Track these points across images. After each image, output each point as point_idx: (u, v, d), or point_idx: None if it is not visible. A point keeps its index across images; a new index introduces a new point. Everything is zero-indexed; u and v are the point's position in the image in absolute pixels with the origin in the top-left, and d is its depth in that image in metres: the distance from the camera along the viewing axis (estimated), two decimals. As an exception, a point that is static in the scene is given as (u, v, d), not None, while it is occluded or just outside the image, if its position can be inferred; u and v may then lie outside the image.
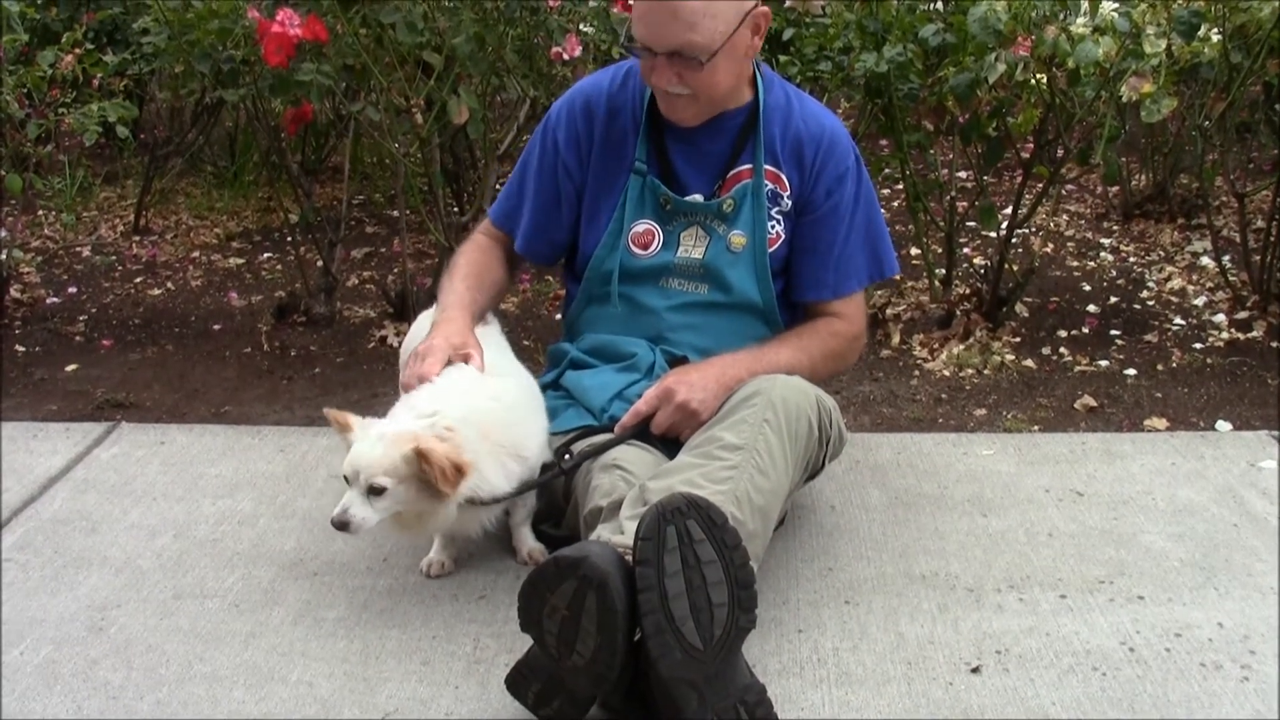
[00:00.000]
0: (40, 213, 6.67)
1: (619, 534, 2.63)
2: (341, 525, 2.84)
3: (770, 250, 3.27)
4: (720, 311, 3.29)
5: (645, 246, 3.27)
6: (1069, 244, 5.92)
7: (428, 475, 2.79)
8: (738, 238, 3.25)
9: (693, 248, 3.26)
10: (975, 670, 2.75)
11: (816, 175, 3.29)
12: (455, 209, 5.63)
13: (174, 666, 2.83)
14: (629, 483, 2.88)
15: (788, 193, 3.28)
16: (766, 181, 3.27)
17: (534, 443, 3.08)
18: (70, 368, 4.79)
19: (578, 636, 2.38)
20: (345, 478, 2.86)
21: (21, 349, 4.99)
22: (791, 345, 3.27)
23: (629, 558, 2.39)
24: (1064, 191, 6.48)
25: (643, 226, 3.27)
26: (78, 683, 2.78)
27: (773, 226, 3.28)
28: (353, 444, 2.89)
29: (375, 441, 2.84)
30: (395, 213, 5.95)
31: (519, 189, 3.45)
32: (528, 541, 3.20)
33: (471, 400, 3.00)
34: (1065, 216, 6.32)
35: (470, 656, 2.83)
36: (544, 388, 3.31)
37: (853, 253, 3.35)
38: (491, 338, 3.33)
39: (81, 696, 2.73)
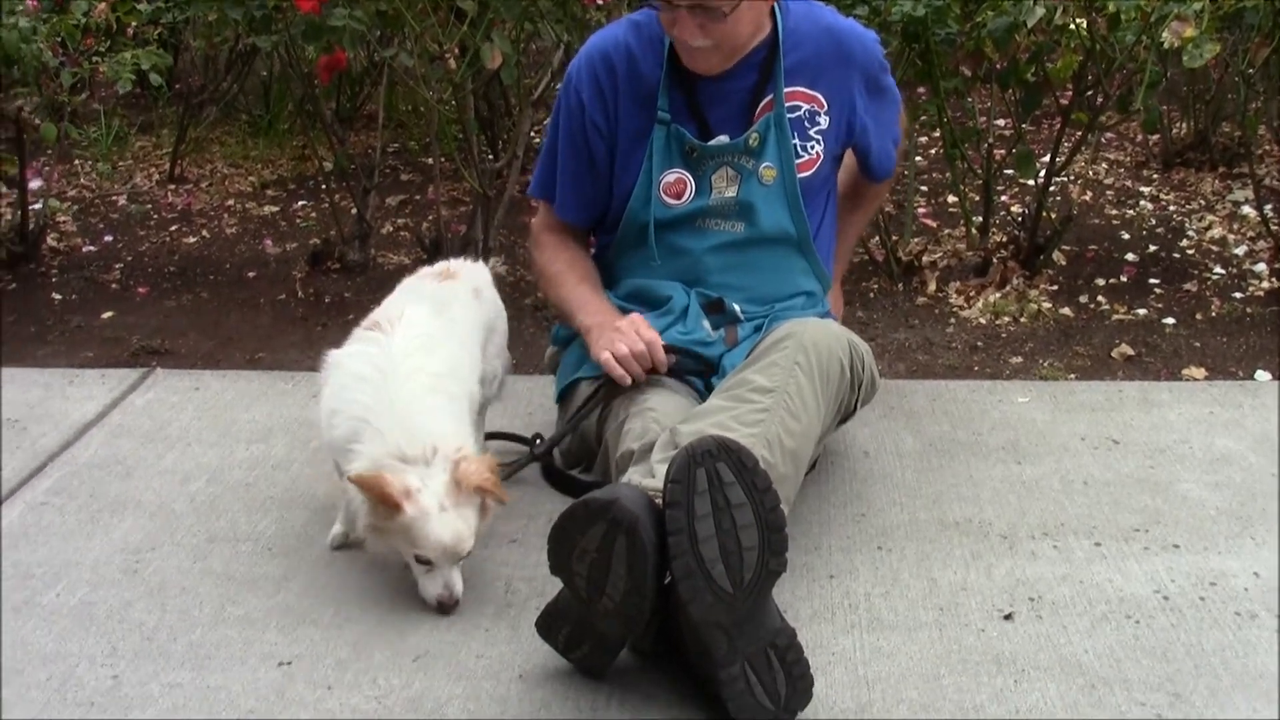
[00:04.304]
0: (76, 162, 6.68)
1: (649, 477, 2.63)
2: (453, 605, 2.78)
3: (811, 172, 3.27)
4: (756, 248, 3.27)
5: (678, 196, 3.25)
6: (1108, 192, 5.86)
7: (498, 496, 2.79)
8: (768, 170, 3.24)
9: (725, 188, 3.24)
10: (1008, 617, 2.74)
11: (862, 66, 3.32)
12: (489, 156, 5.61)
13: (207, 609, 2.84)
14: (660, 426, 2.87)
15: (824, 108, 3.27)
16: (799, 103, 3.26)
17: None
18: (106, 315, 4.81)
19: (608, 579, 2.37)
20: (420, 560, 2.76)
21: (58, 296, 5.01)
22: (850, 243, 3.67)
23: (659, 501, 2.38)
24: (1103, 139, 6.41)
25: (673, 176, 3.25)
26: (113, 624, 2.80)
27: (811, 147, 3.27)
28: (414, 520, 2.69)
29: (443, 515, 2.70)
30: (429, 160, 5.94)
31: (551, 155, 3.44)
32: None
33: (428, 403, 2.86)
34: (1104, 164, 6.25)
35: (501, 600, 2.84)
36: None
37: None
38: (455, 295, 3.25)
39: (116, 637, 2.75)
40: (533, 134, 5.58)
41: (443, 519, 2.69)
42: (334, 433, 2.88)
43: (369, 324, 3.06)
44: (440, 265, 3.38)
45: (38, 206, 5.42)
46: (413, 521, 2.69)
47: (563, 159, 3.38)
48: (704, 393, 3.10)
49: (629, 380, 3.05)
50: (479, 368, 3.19)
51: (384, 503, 2.69)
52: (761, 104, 3.24)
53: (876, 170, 3.51)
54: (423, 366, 2.91)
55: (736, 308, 3.22)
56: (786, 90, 3.24)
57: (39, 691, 2.57)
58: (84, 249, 5.55)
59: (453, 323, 3.14)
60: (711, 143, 3.23)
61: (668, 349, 3.09)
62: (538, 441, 3.20)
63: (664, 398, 3.03)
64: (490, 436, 3.46)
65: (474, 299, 3.28)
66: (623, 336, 3.07)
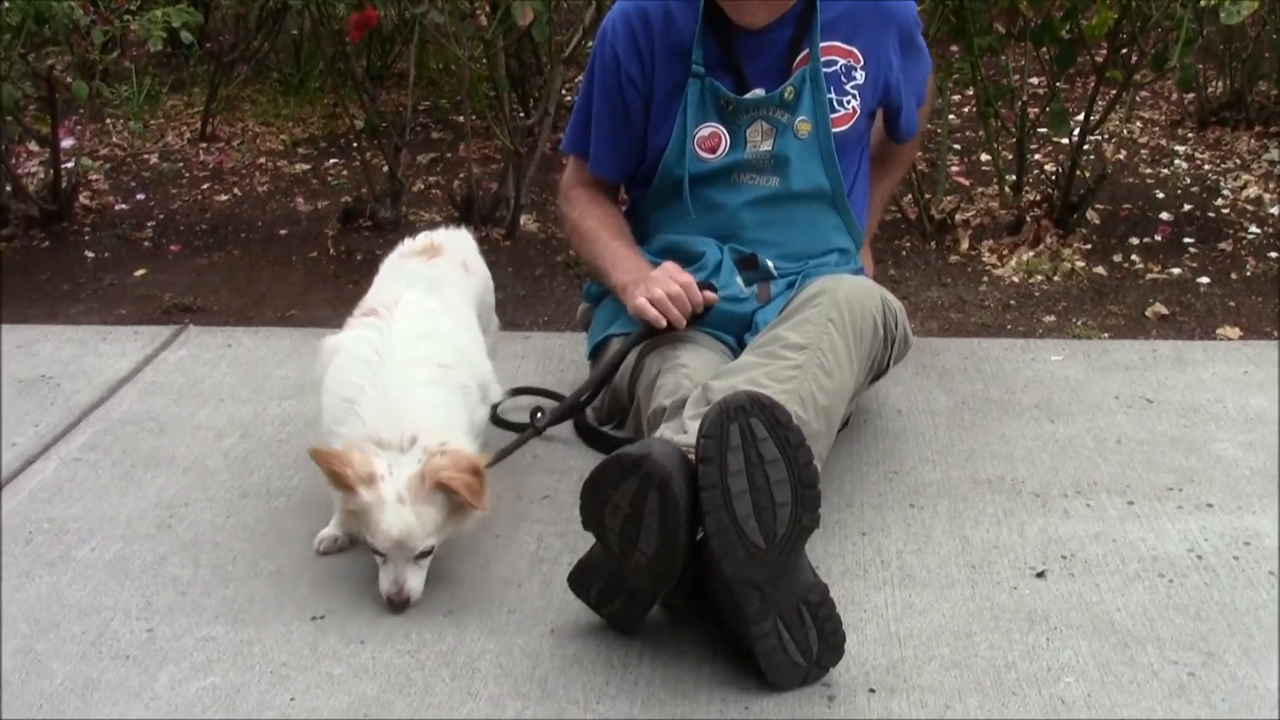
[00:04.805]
0: (108, 121, 6.69)
1: (681, 433, 2.63)
2: (404, 604, 2.65)
3: (846, 127, 3.26)
4: (791, 203, 3.26)
5: (712, 150, 3.24)
6: (1142, 151, 5.82)
7: (465, 497, 2.59)
8: (803, 124, 3.22)
9: (760, 141, 3.22)
10: (1040, 575, 2.74)
11: (899, 22, 3.32)
12: (521, 113, 5.60)
13: (241, 564, 2.86)
14: (692, 382, 2.87)
15: (860, 63, 3.26)
16: (835, 58, 3.24)
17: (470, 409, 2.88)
18: (139, 272, 4.83)
19: (640, 535, 2.37)
20: (376, 552, 2.65)
21: (91, 254, 5.02)
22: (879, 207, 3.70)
23: (691, 456, 2.37)
24: (1138, 97, 6.35)
25: (707, 130, 3.24)
26: (147, 578, 2.82)
27: (847, 102, 3.26)
28: (368, 507, 2.59)
29: (398, 507, 2.57)
30: (460, 118, 5.93)
31: (585, 111, 3.42)
32: None
33: (423, 394, 2.76)
34: (1139, 123, 6.20)
35: (533, 555, 2.85)
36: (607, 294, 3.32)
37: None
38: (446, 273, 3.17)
39: (151, 591, 2.77)
40: (564, 91, 5.56)
41: (396, 511, 2.57)
42: (325, 415, 2.82)
43: (364, 310, 2.96)
44: (422, 240, 3.24)
45: (70, 165, 5.43)
46: (368, 508, 2.58)
47: (597, 113, 3.36)
48: (736, 349, 3.10)
49: (664, 323, 3.04)
50: (484, 348, 3.11)
51: (337, 483, 2.62)
52: (798, 58, 3.22)
53: (904, 130, 3.50)
54: (428, 356, 2.82)
55: (770, 264, 3.21)
56: (823, 45, 3.22)
57: (75, 644, 2.59)
58: (116, 207, 5.57)
59: (451, 305, 3.07)
60: (747, 96, 3.21)
61: (703, 285, 3.09)
62: (538, 415, 3.18)
63: (696, 354, 3.03)
64: (519, 392, 3.46)
65: (464, 274, 3.20)
66: (657, 283, 3.07)
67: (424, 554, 2.65)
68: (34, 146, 5.82)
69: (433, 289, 3.05)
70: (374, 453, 2.63)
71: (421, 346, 2.83)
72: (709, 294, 3.09)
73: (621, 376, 3.21)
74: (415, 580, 2.66)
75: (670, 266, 3.13)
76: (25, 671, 2.52)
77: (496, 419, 3.24)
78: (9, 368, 3.87)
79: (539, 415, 3.18)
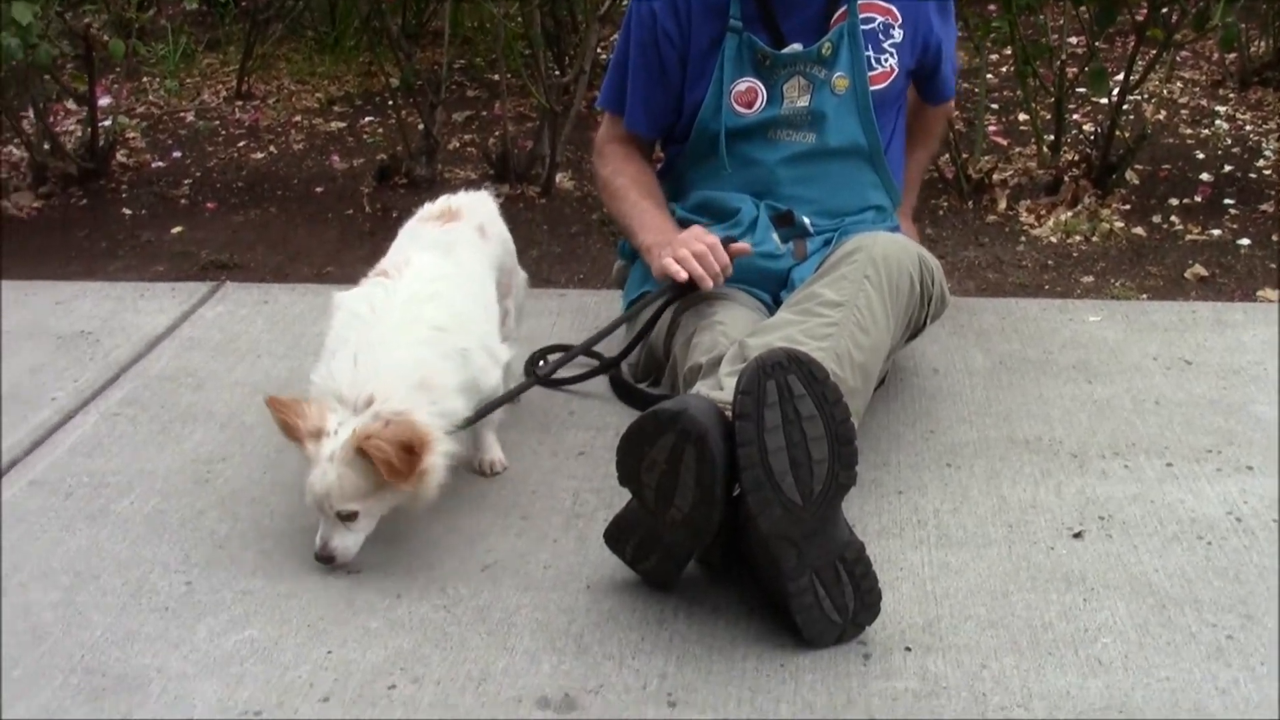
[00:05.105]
0: (144, 79, 6.70)
1: (717, 390, 2.62)
2: (326, 559, 2.65)
3: (884, 85, 3.25)
4: (827, 159, 3.25)
5: (749, 105, 3.22)
6: (1182, 111, 5.76)
7: (381, 470, 2.55)
8: (840, 80, 3.20)
9: (797, 97, 3.21)
10: (1077, 535, 2.73)
11: None
12: (556, 71, 5.57)
13: (278, 519, 2.87)
14: (728, 339, 2.86)
15: (898, 22, 3.24)
16: (874, 15, 3.23)
17: (481, 365, 2.86)
18: (176, 230, 4.84)
19: (676, 490, 2.36)
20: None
21: (128, 212, 5.04)
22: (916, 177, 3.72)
23: (728, 413, 2.37)
24: (1178, 57, 6.29)
25: (744, 85, 3.22)
26: (185, 532, 2.84)
27: (885, 60, 3.24)
28: (307, 459, 2.61)
29: (326, 465, 2.57)
30: (496, 76, 5.92)
31: (621, 68, 3.41)
32: (491, 449, 3.02)
33: (399, 356, 2.71)
34: (1179, 83, 6.13)
35: (569, 511, 2.85)
36: None
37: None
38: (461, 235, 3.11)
39: (189, 545, 2.79)
40: (600, 49, 5.54)
41: (322, 469, 2.57)
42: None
43: (377, 272, 2.95)
44: (441, 204, 3.20)
45: (107, 123, 5.45)
46: (307, 462, 2.61)
47: (633, 69, 3.35)
48: (772, 307, 3.09)
49: (684, 276, 3.02)
50: (494, 312, 3.07)
51: (287, 433, 2.63)
52: (835, 14, 3.20)
53: (942, 90, 3.51)
54: (422, 317, 2.78)
55: (806, 221, 3.20)
56: (861, 2, 3.20)
57: (115, 597, 2.61)
58: (153, 165, 5.58)
59: (465, 270, 3.02)
60: (784, 51, 3.20)
61: (728, 241, 3.07)
62: (541, 364, 3.15)
63: (732, 311, 3.03)
64: (552, 350, 3.46)
65: (480, 239, 3.14)
66: (683, 243, 3.06)
67: (348, 516, 2.62)
68: (71, 105, 5.85)
69: (446, 253, 3.01)
70: (330, 408, 2.62)
71: (420, 308, 2.80)
72: (740, 245, 3.08)
73: (657, 334, 3.21)
74: (340, 540, 2.64)
75: (697, 229, 3.11)
76: (66, 623, 2.54)
77: (534, 374, 3.25)
78: (49, 323, 3.89)
79: (541, 364, 3.15)
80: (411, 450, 2.56)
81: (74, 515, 2.90)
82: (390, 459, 2.53)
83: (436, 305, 2.83)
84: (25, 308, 4.02)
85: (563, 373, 3.26)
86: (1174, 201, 4.71)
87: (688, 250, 3.02)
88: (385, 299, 2.81)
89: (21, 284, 4.24)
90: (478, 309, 2.97)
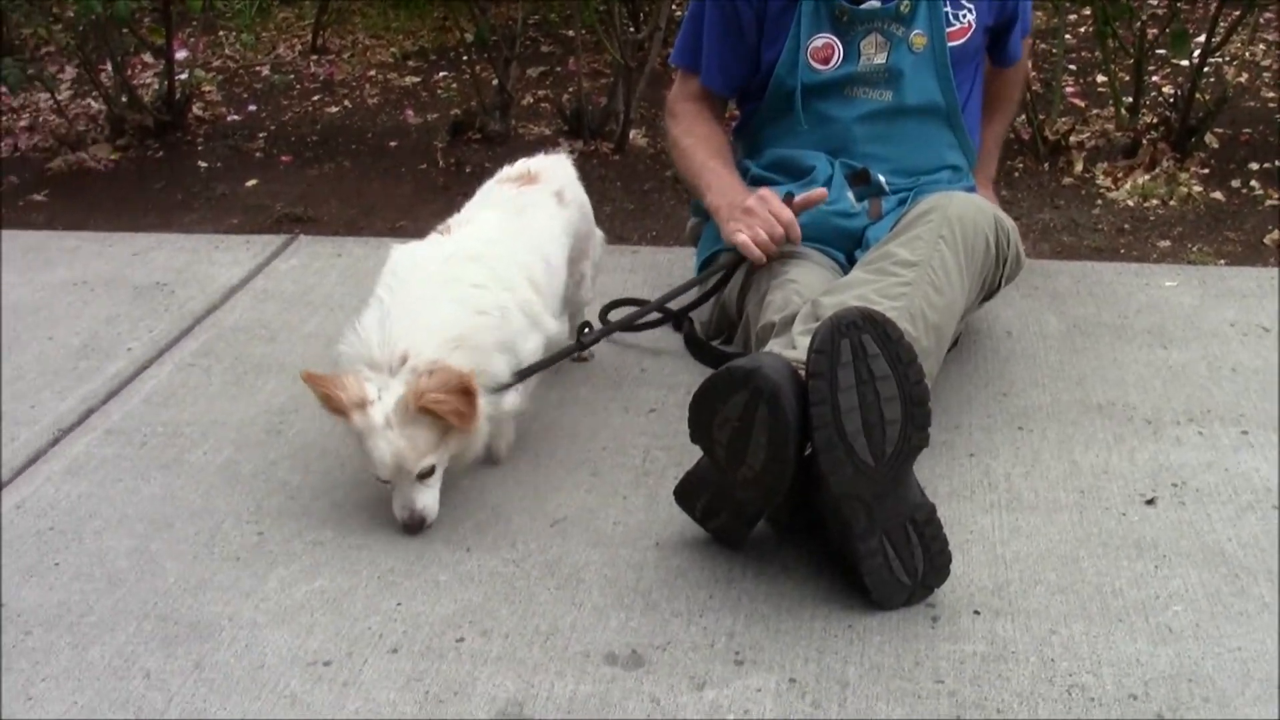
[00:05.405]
0: (220, 33, 6.74)
1: (790, 349, 2.60)
2: (418, 525, 2.65)
3: (962, 41, 3.23)
4: (904, 118, 3.23)
5: (825, 61, 3.20)
6: (1265, 74, 5.66)
7: (452, 420, 2.55)
8: (918, 37, 3.18)
9: (874, 54, 3.18)
10: (1150, 502, 2.70)
11: None
12: (631, 27, 5.55)
13: (348, 470, 2.90)
14: (802, 298, 2.85)
15: None
16: None
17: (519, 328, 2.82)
18: (250, 183, 4.88)
19: (748, 449, 2.36)
20: (380, 480, 2.65)
21: (204, 165, 5.08)
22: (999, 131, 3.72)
23: (801, 372, 2.36)
24: (1262, 19, 6.18)
25: (821, 41, 3.20)
26: (258, 482, 2.87)
27: (963, 16, 3.22)
28: (361, 434, 2.58)
29: (386, 432, 2.55)
30: (570, 32, 5.91)
31: (696, 24, 3.40)
32: (506, 434, 2.92)
33: (433, 312, 2.69)
34: (1262, 45, 6.03)
35: (639, 468, 2.86)
36: None
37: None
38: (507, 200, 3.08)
39: (261, 495, 2.82)
40: (675, 6, 5.52)
41: (385, 436, 2.55)
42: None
43: (442, 227, 2.94)
44: (520, 166, 3.17)
45: (184, 77, 5.50)
46: (360, 435, 2.58)
47: (709, 25, 3.33)
48: (846, 266, 3.08)
49: (765, 261, 3.03)
50: (558, 280, 3.02)
51: (330, 407, 2.60)
52: (916, -30, 3.17)
53: (1011, 52, 3.48)
54: (460, 276, 2.75)
55: (882, 179, 3.17)
56: None
57: (188, 545, 2.65)
58: (228, 118, 5.62)
59: (526, 234, 2.97)
60: (862, 7, 3.17)
61: (788, 198, 3.07)
62: (586, 330, 3.14)
63: (806, 270, 3.01)
64: (615, 305, 3.47)
65: (557, 204, 3.09)
66: (758, 220, 3.04)
67: (426, 474, 2.63)
68: (149, 58, 5.88)
69: (516, 215, 2.99)
70: (366, 376, 2.61)
71: (460, 266, 2.78)
72: (815, 192, 3.07)
73: (730, 291, 3.20)
74: (424, 499, 2.65)
75: (766, 195, 3.08)
76: (140, 571, 2.58)
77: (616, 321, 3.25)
78: (125, 274, 3.93)
79: (586, 330, 3.15)
80: (468, 392, 2.56)
81: (148, 464, 2.94)
82: (457, 407, 2.54)
83: (479, 264, 2.80)
84: (102, 259, 4.07)
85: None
86: (1254, 166, 4.64)
87: (766, 235, 3.01)
88: (428, 254, 2.82)
89: (99, 235, 4.30)
90: (531, 274, 2.90)
